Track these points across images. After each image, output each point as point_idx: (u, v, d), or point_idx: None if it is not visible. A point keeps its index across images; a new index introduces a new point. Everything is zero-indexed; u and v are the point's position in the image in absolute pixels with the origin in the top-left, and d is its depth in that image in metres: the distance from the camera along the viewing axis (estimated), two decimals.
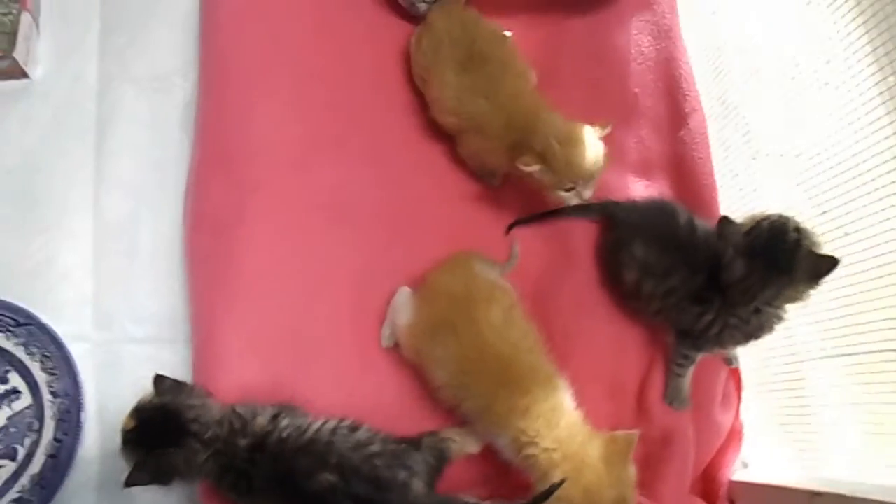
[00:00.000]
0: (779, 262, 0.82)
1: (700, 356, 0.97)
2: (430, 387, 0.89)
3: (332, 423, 0.81)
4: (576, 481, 0.79)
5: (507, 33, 1.07)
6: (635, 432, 0.83)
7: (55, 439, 0.92)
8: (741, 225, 0.86)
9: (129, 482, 0.77)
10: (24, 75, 1.05)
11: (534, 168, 0.91)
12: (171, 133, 1.06)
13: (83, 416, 0.92)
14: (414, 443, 0.84)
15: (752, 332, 0.91)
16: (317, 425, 0.80)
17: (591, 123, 0.95)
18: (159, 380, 0.82)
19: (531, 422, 0.81)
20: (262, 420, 0.80)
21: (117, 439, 0.92)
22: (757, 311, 0.88)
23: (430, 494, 0.81)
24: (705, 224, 0.95)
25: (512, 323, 0.87)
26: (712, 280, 0.88)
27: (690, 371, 0.97)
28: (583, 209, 1.00)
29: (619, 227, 0.99)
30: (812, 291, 0.86)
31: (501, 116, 0.96)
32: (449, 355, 0.85)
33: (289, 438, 0.78)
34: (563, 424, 0.82)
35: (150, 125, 1.06)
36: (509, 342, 0.85)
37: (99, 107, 1.06)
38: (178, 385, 0.83)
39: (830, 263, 0.82)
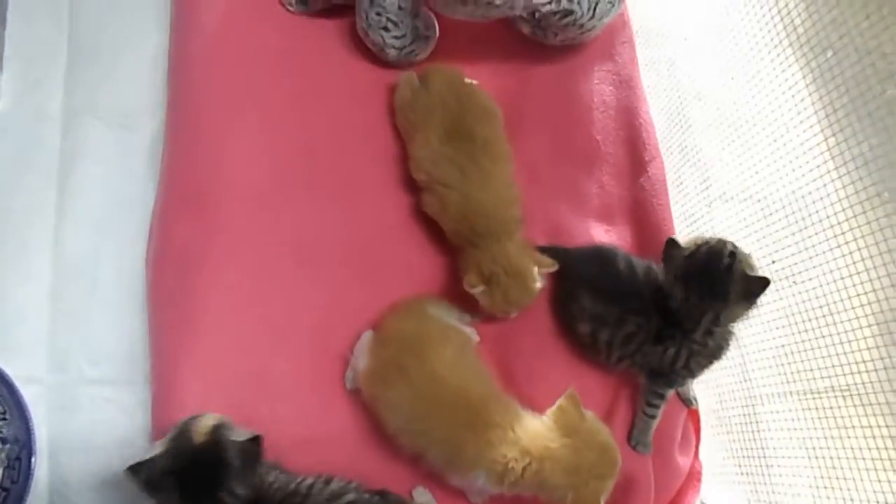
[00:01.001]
0: (714, 286, 0.86)
1: (671, 392, 0.99)
2: (389, 434, 0.88)
3: (309, 480, 0.82)
4: (554, 470, 0.81)
5: (472, 81, 1.09)
6: (570, 389, 0.85)
7: (2, 487, 0.88)
8: (684, 248, 0.89)
9: (142, 467, 0.74)
10: None
11: (476, 290, 0.93)
12: (137, 171, 1.05)
13: (34, 462, 0.89)
14: (383, 495, 0.84)
15: (713, 353, 0.93)
16: (298, 480, 0.81)
17: (537, 259, 0.96)
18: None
19: (501, 449, 0.82)
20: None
21: (70, 485, 0.91)
22: (709, 332, 0.90)
23: None
24: (645, 263, 0.97)
25: (465, 360, 0.88)
26: (668, 316, 0.91)
27: (661, 411, 0.99)
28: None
29: (565, 277, 0.99)
30: (750, 311, 0.89)
31: (463, 201, 0.96)
32: (403, 400, 0.85)
33: (275, 492, 0.79)
34: (522, 434, 0.83)
35: (114, 162, 1.05)
36: (463, 380, 0.85)
37: (63, 142, 1.05)
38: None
39: (762, 284, 0.85)
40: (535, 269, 0.94)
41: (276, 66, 1.08)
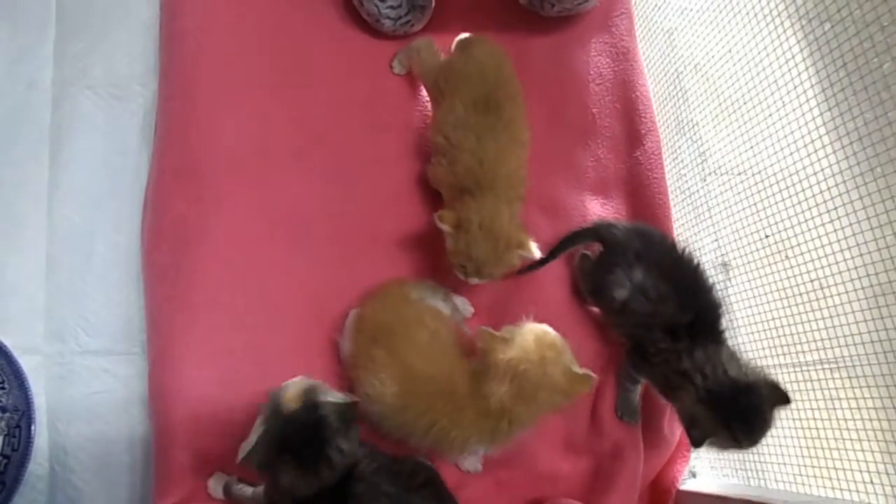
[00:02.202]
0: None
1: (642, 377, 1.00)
2: (372, 422, 0.88)
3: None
4: (520, 388, 0.81)
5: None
6: (479, 328, 0.86)
7: (2, 455, 0.90)
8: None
9: (253, 453, 0.74)
10: None
11: (444, 227, 0.92)
12: (130, 142, 1.04)
13: (33, 430, 0.91)
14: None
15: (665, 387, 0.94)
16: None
17: (520, 239, 0.94)
18: None
19: (482, 418, 0.83)
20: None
21: (69, 452, 0.92)
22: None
23: None
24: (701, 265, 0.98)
25: (437, 347, 0.87)
26: (694, 323, 0.91)
27: (639, 387, 1.01)
28: (578, 236, 1.02)
29: (614, 248, 0.98)
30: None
31: (475, 163, 0.95)
32: (382, 390, 0.85)
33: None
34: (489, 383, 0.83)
35: (107, 133, 1.04)
36: (435, 367, 0.85)
37: (53, 114, 1.04)
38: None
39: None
40: (516, 241, 0.93)
41: (269, 38, 1.07)
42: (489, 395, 0.82)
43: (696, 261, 0.97)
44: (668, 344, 0.92)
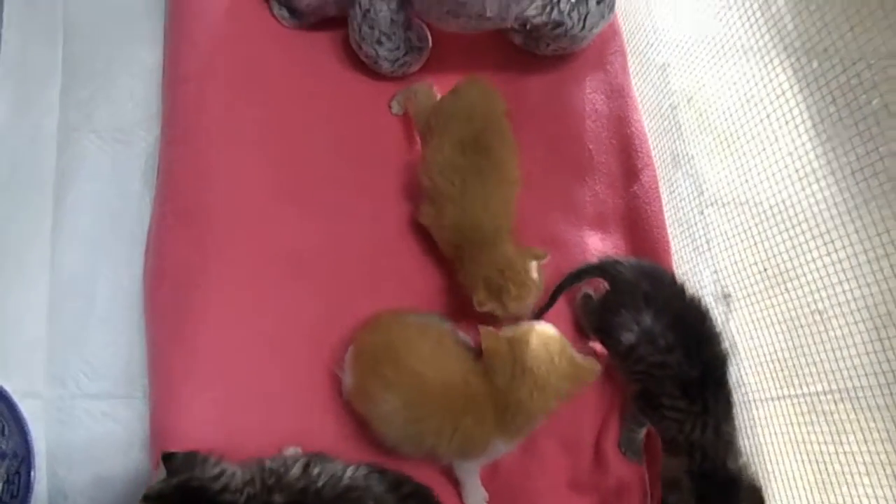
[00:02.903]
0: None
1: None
2: (390, 447, 0.89)
3: (363, 470, 0.80)
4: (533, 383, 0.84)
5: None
6: (481, 328, 0.88)
7: (2, 502, 0.89)
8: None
9: None
10: None
11: (488, 307, 0.94)
12: (132, 185, 1.06)
13: (33, 476, 0.90)
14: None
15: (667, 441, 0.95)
16: (350, 471, 0.79)
17: (531, 254, 0.97)
18: (169, 457, 0.77)
19: (499, 412, 0.85)
20: (295, 471, 0.78)
21: (69, 499, 0.91)
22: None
23: None
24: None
25: (444, 349, 0.88)
26: (704, 379, 0.92)
27: (644, 428, 1.00)
28: (584, 273, 1.01)
29: (621, 288, 0.97)
30: None
31: (459, 214, 0.97)
32: (391, 410, 0.85)
33: (325, 488, 0.76)
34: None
35: (110, 177, 1.06)
36: (446, 370, 0.86)
37: (59, 159, 1.06)
38: (189, 458, 0.77)
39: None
40: (534, 265, 0.95)
41: (269, 80, 1.09)
42: (504, 388, 0.84)
43: (704, 308, 0.97)
44: (685, 404, 0.91)
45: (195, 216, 0.99)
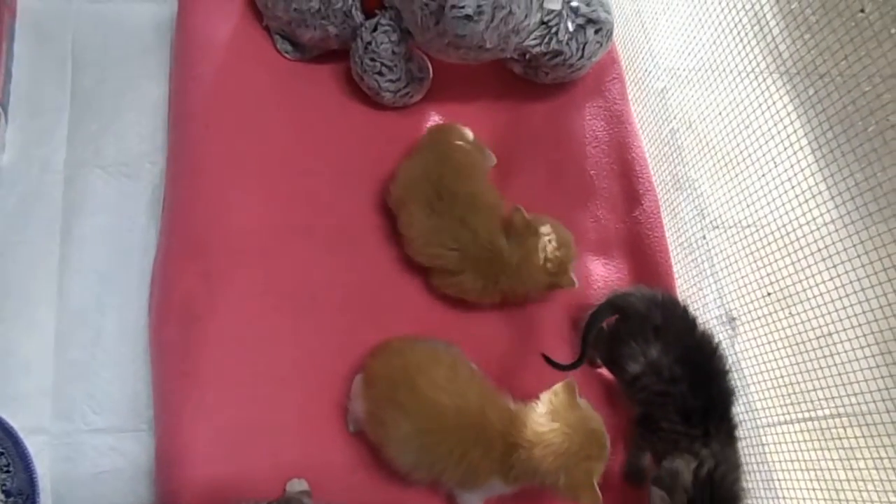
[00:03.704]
0: None
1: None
2: (403, 473, 0.89)
3: None
4: (544, 455, 0.82)
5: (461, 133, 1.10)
6: (570, 380, 0.87)
7: None
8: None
9: None
10: None
11: (566, 282, 1.00)
12: (138, 219, 1.07)
13: None
14: None
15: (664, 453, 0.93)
16: None
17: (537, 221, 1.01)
18: None
19: (508, 452, 0.84)
20: None
21: None
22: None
23: None
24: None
25: (458, 376, 0.88)
26: (706, 407, 0.92)
27: (647, 454, 0.99)
28: (598, 316, 1.00)
29: (632, 318, 0.97)
30: None
31: (467, 262, 0.99)
32: (405, 436, 0.85)
33: None
34: (517, 428, 0.84)
35: (117, 211, 1.07)
36: (460, 396, 0.86)
37: (66, 194, 1.07)
38: None
39: None
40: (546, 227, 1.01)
41: (273, 113, 1.11)
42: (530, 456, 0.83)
43: (715, 343, 0.97)
44: (684, 429, 0.91)
45: (201, 250, 1.00)
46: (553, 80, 1.17)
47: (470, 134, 1.11)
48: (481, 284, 1.00)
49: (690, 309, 1.02)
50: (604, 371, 1.07)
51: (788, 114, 1.05)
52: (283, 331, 0.98)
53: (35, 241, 1.04)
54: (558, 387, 0.86)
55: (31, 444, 0.92)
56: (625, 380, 0.97)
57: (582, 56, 1.11)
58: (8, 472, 0.91)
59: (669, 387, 0.92)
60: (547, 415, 0.85)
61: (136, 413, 0.97)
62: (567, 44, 1.09)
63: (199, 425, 0.91)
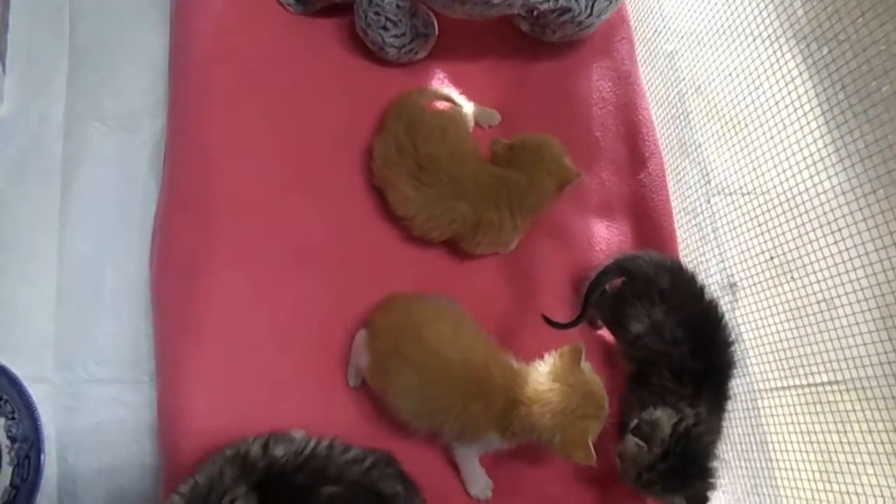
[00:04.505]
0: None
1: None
2: (404, 422, 0.90)
3: (326, 441, 0.81)
4: (549, 410, 0.83)
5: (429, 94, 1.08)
6: (579, 345, 0.87)
7: (12, 485, 0.90)
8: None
9: None
10: None
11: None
12: (139, 173, 1.06)
13: (43, 460, 0.91)
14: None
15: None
16: (312, 443, 0.80)
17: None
18: None
19: (508, 408, 0.85)
20: (255, 450, 0.78)
21: (78, 484, 0.92)
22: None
23: None
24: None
25: (463, 332, 0.89)
26: (703, 372, 0.93)
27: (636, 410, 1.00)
28: (604, 276, 1.01)
29: (639, 280, 0.97)
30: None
31: (483, 203, 0.99)
32: (408, 386, 0.87)
33: (287, 463, 0.78)
34: (519, 386, 0.86)
35: (117, 165, 1.06)
36: (465, 351, 0.87)
37: (65, 147, 1.06)
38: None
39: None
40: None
41: (275, 67, 1.09)
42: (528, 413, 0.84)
43: (721, 312, 0.97)
44: (674, 386, 0.92)
45: (201, 204, 0.99)
46: (561, 38, 1.15)
47: (443, 91, 1.10)
48: (508, 219, 1.00)
49: (698, 277, 1.02)
50: (604, 333, 1.07)
51: (798, 76, 1.03)
52: (283, 286, 0.98)
53: (35, 194, 1.04)
54: (564, 349, 0.87)
55: (35, 393, 0.93)
56: (626, 339, 0.97)
57: (591, 13, 1.08)
58: (13, 418, 0.92)
59: (670, 348, 0.93)
60: (549, 374, 0.86)
61: (137, 365, 0.98)
62: (576, 0, 1.06)
63: (199, 378, 0.92)
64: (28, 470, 0.90)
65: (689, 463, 0.88)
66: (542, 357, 0.89)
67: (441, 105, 1.08)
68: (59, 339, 0.98)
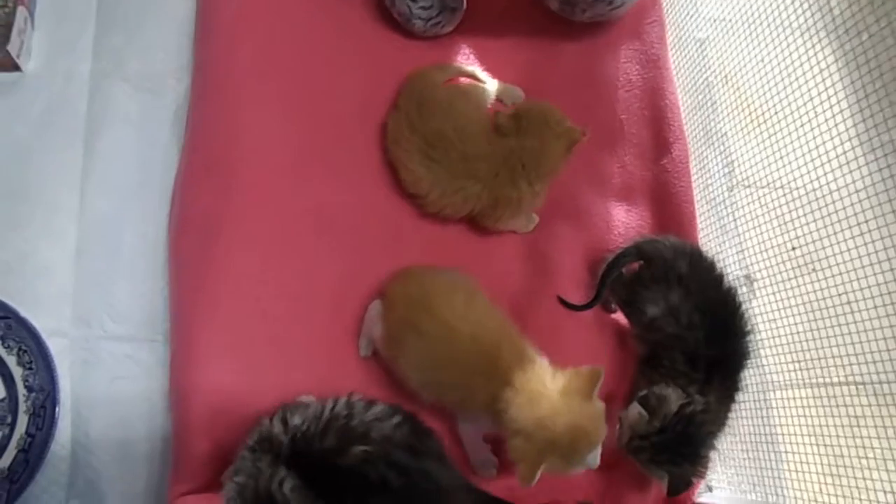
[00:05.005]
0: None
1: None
2: (408, 390, 0.91)
3: (343, 399, 0.79)
4: (529, 412, 0.80)
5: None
6: (600, 368, 0.82)
7: (28, 433, 0.92)
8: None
9: None
10: (17, 68, 1.05)
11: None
12: (161, 134, 1.06)
13: (58, 411, 0.92)
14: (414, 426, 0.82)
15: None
16: (329, 404, 0.78)
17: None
18: None
19: (507, 392, 0.83)
20: (277, 428, 0.77)
21: (90, 436, 0.94)
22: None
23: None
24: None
25: (475, 308, 0.88)
26: (717, 359, 0.92)
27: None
28: (622, 258, 1.00)
29: (658, 264, 0.97)
30: None
31: (496, 174, 0.98)
32: (419, 356, 0.87)
33: (308, 429, 0.76)
34: (532, 376, 0.83)
35: (140, 126, 1.06)
36: (475, 326, 0.86)
37: (90, 105, 1.06)
38: None
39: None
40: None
41: (301, 36, 1.09)
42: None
43: (739, 301, 0.96)
44: (686, 369, 0.91)
45: (221, 168, 1.00)
46: (590, 17, 1.13)
47: (465, 68, 1.09)
48: (527, 189, 0.99)
49: (718, 264, 1.01)
50: (617, 317, 1.07)
51: (831, 72, 1.00)
52: (299, 252, 0.99)
53: (58, 150, 1.04)
54: (585, 369, 0.83)
55: (52, 346, 0.95)
56: (640, 322, 0.97)
57: None
58: (30, 368, 0.94)
59: (685, 332, 0.92)
60: (556, 382, 0.83)
61: (153, 325, 0.99)
62: None
63: (211, 339, 0.93)
64: (43, 419, 0.92)
65: (684, 444, 0.88)
66: (562, 365, 0.86)
67: (462, 81, 1.07)
68: (78, 294, 0.99)
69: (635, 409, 0.89)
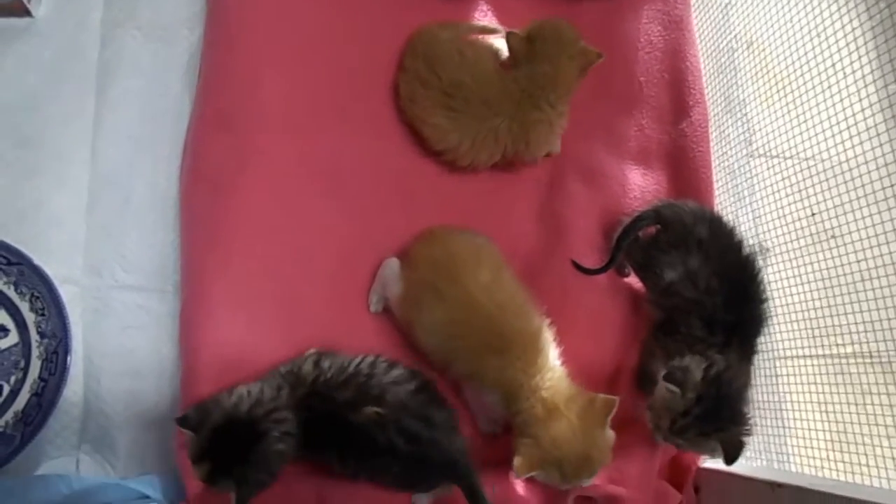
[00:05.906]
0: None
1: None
2: (419, 351, 0.91)
3: (370, 358, 0.83)
4: (547, 428, 0.82)
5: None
6: (615, 398, 0.84)
7: (40, 378, 0.93)
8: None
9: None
10: (27, 13, 1.03)
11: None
12: (173, 85, 1.05)
13: (69, 357, 0.93)
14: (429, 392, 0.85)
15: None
16: (357, 360, 0.82)
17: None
18: (183, 420, 0.77)
19: (519, 380, 0.84)
20: (307, 367, 0.82)
21: (102, 383, 0.95)
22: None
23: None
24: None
25: (501, 284, 0.88)
26: (734, 324, 0.91)
27: (659, 361, 0.99)
28: (640, 221, 0.99)
29: (676, 229, 0.96)
30: None
31: (516, 129, 0.98)
32: (437, 321, 0.87)
33: (332, 377, 0.80)
34: (548, 380, 0.85)
35: (151, 76, 1.05)
36: (497, 303, 0.86)
37: (101, 53, 1.05)
38: (201, 408, 0.78)
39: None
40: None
41: None
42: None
43: (758, 267, 0.95)
44: (703, 335, 0.90)
45: (234, 121, 0.99)
46: None
47: (465, 25, 1.08)
48: (550, 111, 0.99)
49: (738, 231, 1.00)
50: (631, 280, 1.06)
51: (857, 40, 0.97)
52: (310, 209, 0.98)
53: (69, 98, 1.03)
54: (601, 397, 0.84)
55: (64, 294, 0.95)
56: (657, 286, 0.96)
57: None
58: (43, 315, 0.94)
59: (703, 297, 0.91)
60: (574, 404, 0.84)
61: (163, 276, 0.99)
62: None
63: (222, 293, 0.93)
64: (56, 365, 0.93)
65: (723, 406, 0.86)
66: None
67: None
68: (89, 243, 0.99)
69: (663, 390, 0.87)
